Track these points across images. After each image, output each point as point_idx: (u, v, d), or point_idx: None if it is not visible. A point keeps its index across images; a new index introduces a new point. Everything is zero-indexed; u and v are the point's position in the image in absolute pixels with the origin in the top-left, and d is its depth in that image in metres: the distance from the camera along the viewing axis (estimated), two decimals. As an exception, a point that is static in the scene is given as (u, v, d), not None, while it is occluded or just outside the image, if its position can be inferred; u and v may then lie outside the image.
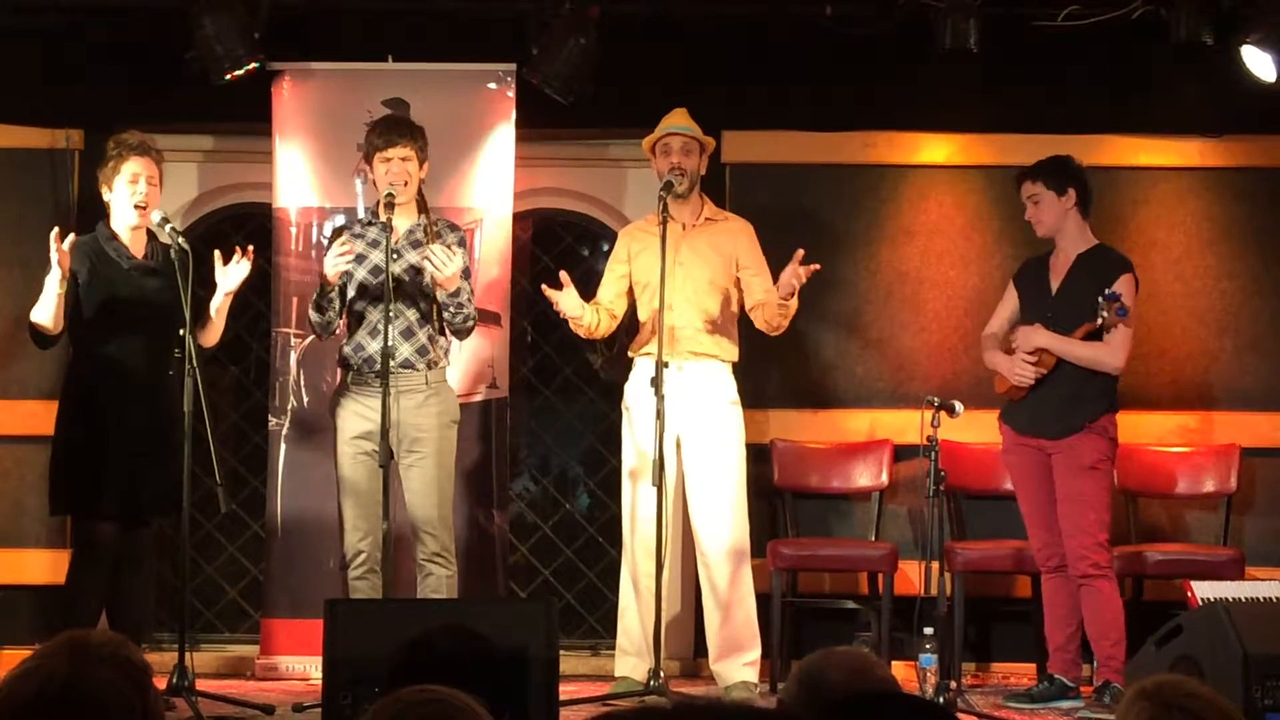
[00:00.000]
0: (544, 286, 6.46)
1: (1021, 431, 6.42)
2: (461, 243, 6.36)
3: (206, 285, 6.28)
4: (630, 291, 6.64)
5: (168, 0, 6.92)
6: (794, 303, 6.46)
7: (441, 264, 6.08)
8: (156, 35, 7.07)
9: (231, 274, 6.14)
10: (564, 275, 6.42)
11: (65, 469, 6.05)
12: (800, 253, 6.29)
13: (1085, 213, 6.45)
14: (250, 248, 6.19)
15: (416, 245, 6.25)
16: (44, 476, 6.23)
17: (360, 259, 6.26)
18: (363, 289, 6.27)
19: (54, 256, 5.87)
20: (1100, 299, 6.18)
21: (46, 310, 5.96)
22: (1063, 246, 6.45)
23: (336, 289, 6.22)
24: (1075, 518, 6.28)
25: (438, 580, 6.21)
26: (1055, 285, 6.43)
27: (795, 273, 6.28)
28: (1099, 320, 6.21)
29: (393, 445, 6.11)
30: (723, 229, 6.61)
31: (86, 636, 2.34)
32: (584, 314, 6.47)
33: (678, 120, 6.56)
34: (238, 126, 7.34)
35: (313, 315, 6.30)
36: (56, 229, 5.94)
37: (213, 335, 6.22)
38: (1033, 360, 6.34)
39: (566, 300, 6.43)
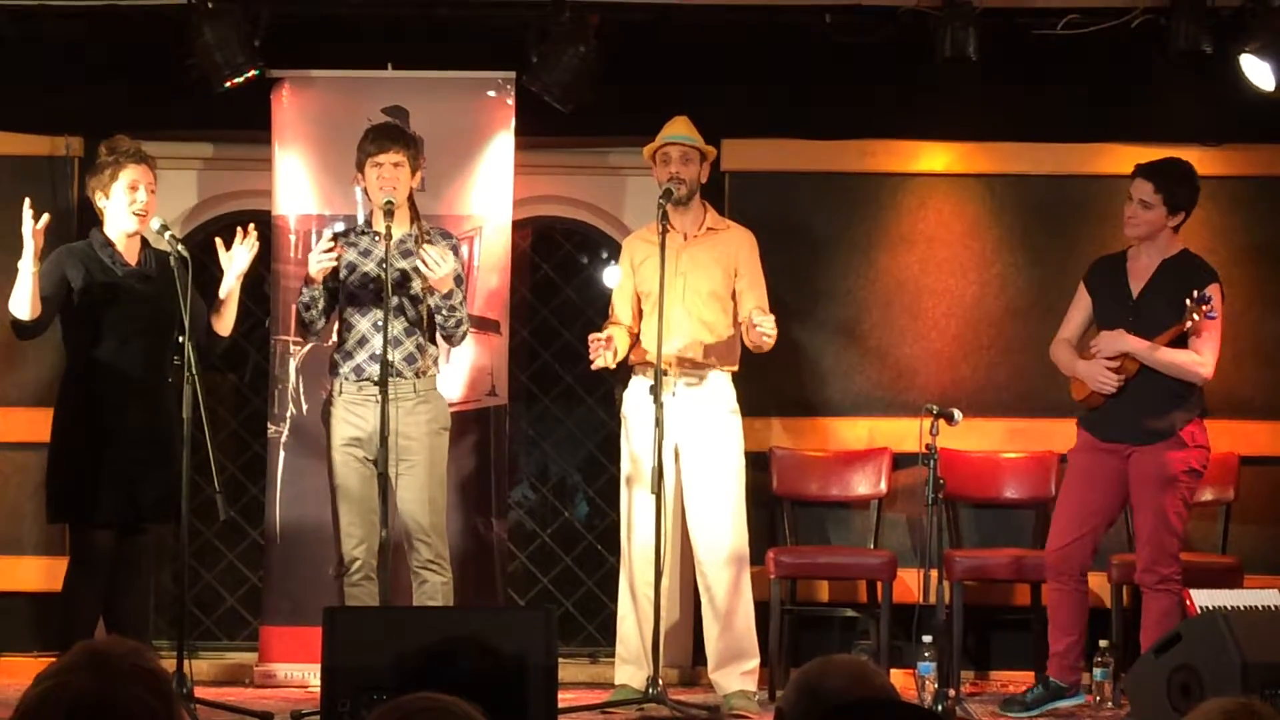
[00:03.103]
0: (592, 339, 6.44)
1: (1105, 439, 6.27)
2: (454, 250, 6.38)
3: (206, 293, 6.28)
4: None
5: (167, 8, 6.92)
6: (768, 343, 6.40)
7: (434, 264, 6.08)
8: (156, 43, 7.06)
9: (238, 256, 6.14)
10: (610, 345, 6.42)
11: (62, 476, 6.04)
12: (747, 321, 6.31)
13: (1178, 229, 6.37)
14: (252, 225, 6.20)
15: (407, 255, 6.26)
16: (42, 483, 6.23)
17: (351, 267, 6.27)
18: (352, 297, 6.28)
19: (27, 233, 5.81)
20: (1189, 300, 6.06)
21: (22, 298, 5.89)
22: (1145, 250, 6.34)
23: (320, 289, 6.22)
24: (1152, 530, 6.18)
25: (433, 588, 6.22)
26: (1136, 289, 6.31)
27: (756, 331, 6.29)
28: (1187, 323, 6.08)
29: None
30: (724, 238, 6.61)
31: (106, 648, 2.31)
32: (613, 361, 6.48)
33: (678, 129, 6.56)
34: (237, 134, 7.34)
35: (299, 315, 6.33)
36: (28, 200, 5.88)
37: (227, 322, 6.21)
38: (1114, 366, 6.23)
39: (606, 356, 6.43)
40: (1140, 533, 6.25)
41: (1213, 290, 6.20)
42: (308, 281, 6.25)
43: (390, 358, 6.12)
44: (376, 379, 6.08)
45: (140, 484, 5.99)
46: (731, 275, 6.55)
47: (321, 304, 6.28)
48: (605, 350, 6.39)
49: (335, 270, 6.26)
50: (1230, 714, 2.50)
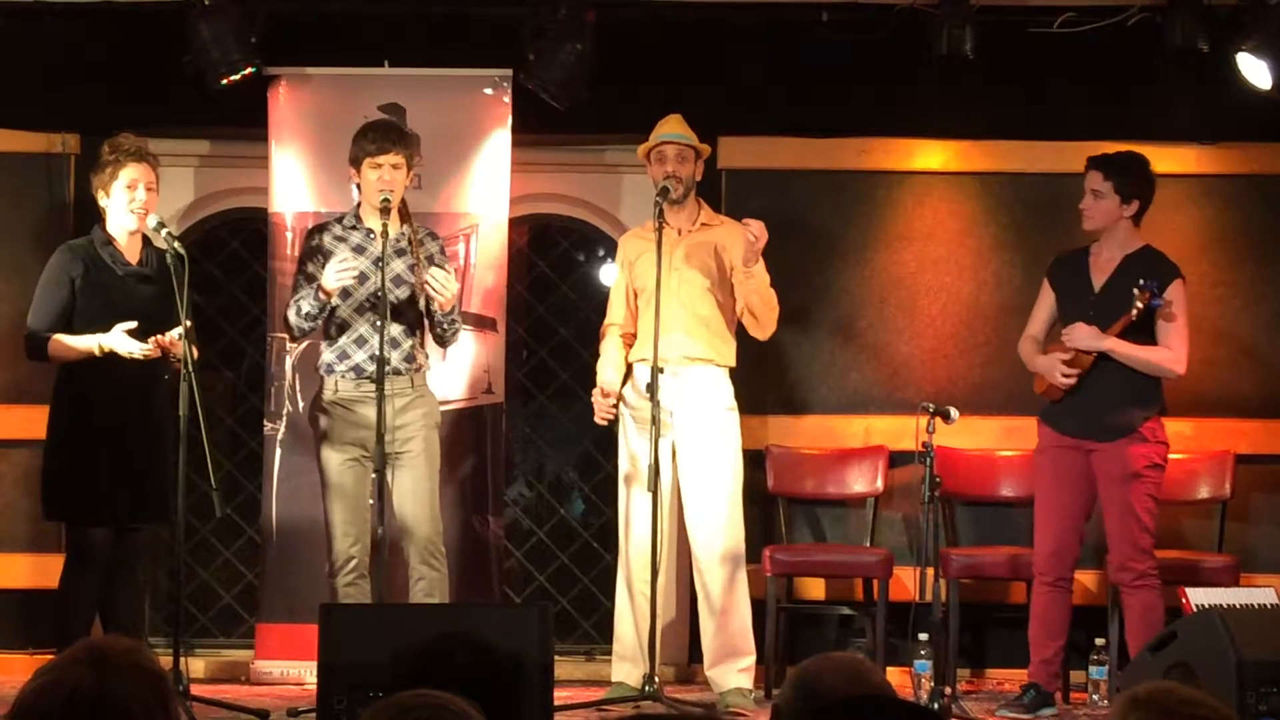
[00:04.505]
0: (596, 400, 6.51)
1: (1066, 433, 6.31)
2: (443, 251, 6.41)
3: (203, 291, 6.28)
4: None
5: (164, 5, 6.92)
6: (761, 273, 6.39)
7: (441, 288, 6.09)
8: (153, 40, 7.06)
9: (134, 349, 5.94)
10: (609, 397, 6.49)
11: (58, 474, 6.05)
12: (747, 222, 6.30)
13: (1138, 221, 6.40)
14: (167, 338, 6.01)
15: (401, 254, 6.26)
16: (35, 480, 6.22)
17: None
18: (346, 295, 6.25)
19: (132, 350, 5.86)
20: (1135, 289, 6.10)
21: (64, 356, 6.00)
22: (1107, 245, 6.36)
23: (330, 300, 6.20)
24: (1121, 527, 6.21)
25: (429, 583, 6.21)
26: (1098, 283, 6.33)
27: (746, 234, 6.27)
28: (1133, 311, 6.12)
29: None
30: (717, 234, 6.61)
31: (105, 645, 2.33)
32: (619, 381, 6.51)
33: (672, 128, 6.56)
34: (234, 131, 7.34)
35: (295, 320, 6.25)
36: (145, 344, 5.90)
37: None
38: (1067, 359, 6.25)
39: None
40: (1111, 531, 6.27)
41: (1175, 286, 6.24)
42: (319, 291, 6.16)
43: (391, 358, 6.13)
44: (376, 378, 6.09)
45: (137, 482, 5.99)
46: (727, 270, 6.55)
47: (326, 313, 6.25)
48: (609, 405, 6.45)
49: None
50: (1139, 700, 2.50)
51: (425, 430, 6.26)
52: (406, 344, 6.25)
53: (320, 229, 6.40)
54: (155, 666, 2.35)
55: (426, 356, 6.38)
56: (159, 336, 5.88)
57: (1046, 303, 6.50)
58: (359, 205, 6.36)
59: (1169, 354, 6.24)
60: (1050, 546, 6.32)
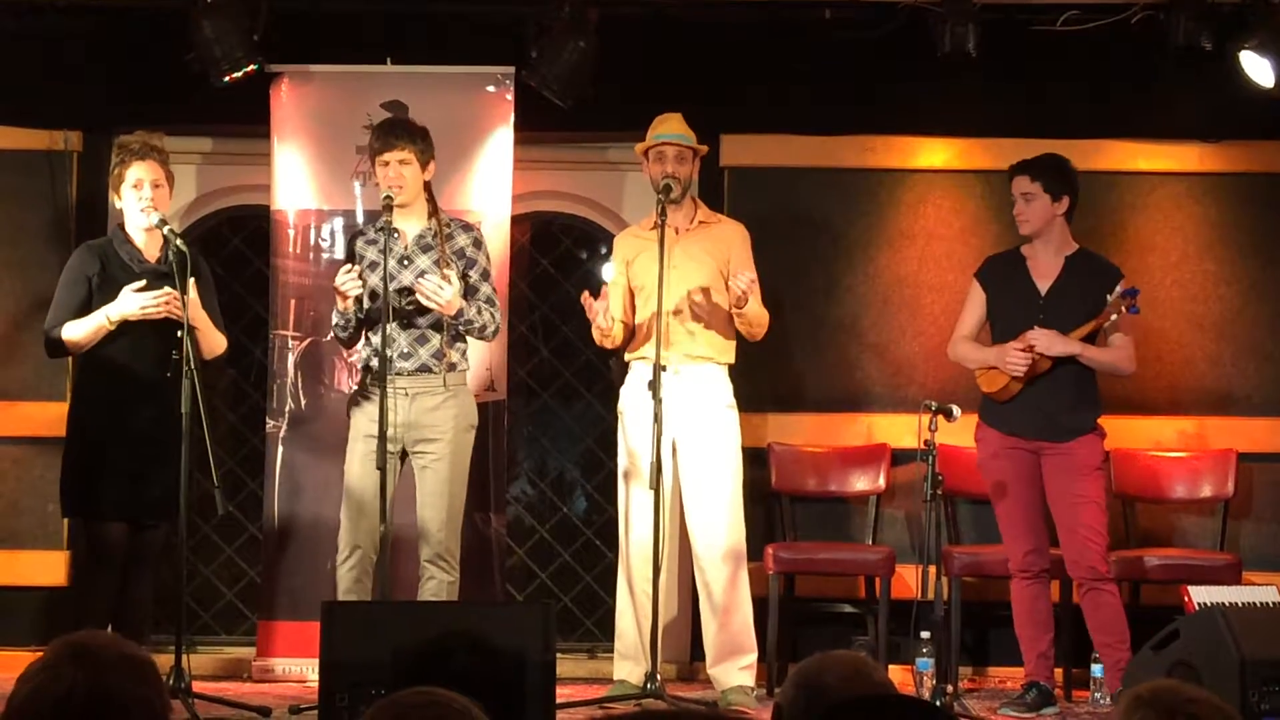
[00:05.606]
0: (585, 295, 6.44)
1: (1015, 434, 6.36)
2: (477, 243, 6.35)
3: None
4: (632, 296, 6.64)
5: (167, 2, 6.92)
6: (753, 311, 6.39)
7: (434, 293, 6.08)
8: (155, 37, 7.07)
9: (146, 302, 6.00)
10: (603, 292, 6.43)
11: (75, 472, 6.06)
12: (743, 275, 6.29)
13: (1071, 219, 6.44)
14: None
15: (427, 249, 6.24)
16: (42, 477, 6.24)
17: (373, 266, 6.23)
18: (375, 296, 6.23)
19: (144, 304, 5.88)
20: (1113, 295, 6.18)
21: (81, 340, 6.01)
22: (1043, 248, 6.42)
23: (354, 308, 6.19)
24: (1082, 522, 6.25)
25: (438, 585, 6.19)
26: (1044, 286, 6.38)
27: (734, 285, 6.27)
28: (1112, 316, 6.19)
29: (406, 447, 6.16)
30: (716, 232, 6.61)
31: (87, 641, 2.32)
32: (611, 326, 6.47)
33: (671, 127, 6.55)
34: (236, 129, 7.34)
35: (335, 330, 6.31)
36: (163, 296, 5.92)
37: (205, 348, 6.19)
38: (1029, 358, 6.29)
39: (603, 314, 6.42)
40: (1074, 529, 6.28)
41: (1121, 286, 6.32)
42: (342, 301, 6.17)
43: (420, 354, 6.17)
44: (408, 372, 6.13)
45: (150, 480, 6.00)
46: (725, 268, 6.54)
47: (355, 320, 6.25)
48: (599, 304, 6.37)
49: (360, 275, 6.20)
50: (1144, 699, 2.50)
51: (454, 433, 6.23)
52: (435, 340, 6.22)
53: (356, 235, 6.43)
54: (141, 654, 2.34)
55: (464, 355, 6.35)
56: (171, 290, 5.89)
57: (977, 304, 6.55)
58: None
59: (1123, 354, 6.36)
60: (1028, 546, 6.35)
